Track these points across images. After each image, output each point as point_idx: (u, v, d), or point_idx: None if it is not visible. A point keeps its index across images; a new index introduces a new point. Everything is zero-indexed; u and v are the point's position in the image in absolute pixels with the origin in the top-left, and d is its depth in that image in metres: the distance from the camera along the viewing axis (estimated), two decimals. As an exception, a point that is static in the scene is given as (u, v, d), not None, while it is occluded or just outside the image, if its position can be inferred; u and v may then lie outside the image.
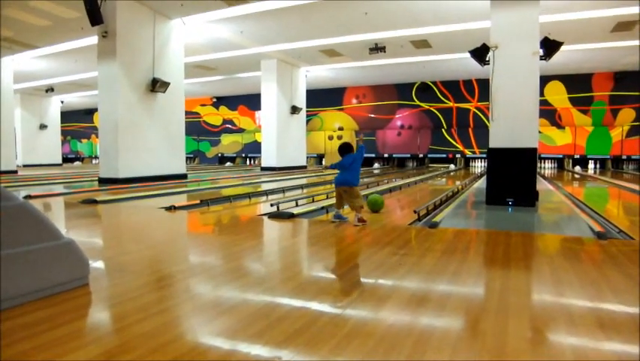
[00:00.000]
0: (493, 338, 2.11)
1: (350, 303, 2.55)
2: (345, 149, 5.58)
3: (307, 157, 20.66)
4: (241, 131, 26.12)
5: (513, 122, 7.19)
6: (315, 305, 2.56)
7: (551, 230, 5.31)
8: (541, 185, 10.29)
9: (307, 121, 20.61)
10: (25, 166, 22.69)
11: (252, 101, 24.42)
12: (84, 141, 31.38)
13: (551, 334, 2.22)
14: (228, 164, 25.96)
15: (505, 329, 2.21)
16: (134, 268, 3.42)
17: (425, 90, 21.66)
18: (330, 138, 23.62)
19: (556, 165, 19.77)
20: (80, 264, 2.83)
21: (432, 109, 21.66)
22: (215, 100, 26.55)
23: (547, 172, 17.39)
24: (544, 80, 17.88)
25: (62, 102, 25.96)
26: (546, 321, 2.35)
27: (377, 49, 14.52)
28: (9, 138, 16.89)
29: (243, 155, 26.09)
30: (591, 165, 19.36)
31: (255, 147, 24.80)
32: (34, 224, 2.61)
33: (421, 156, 22.06)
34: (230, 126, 26.52)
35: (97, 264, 3.50)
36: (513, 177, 7.05)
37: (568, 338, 2.16)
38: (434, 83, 21.45)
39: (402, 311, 2.44)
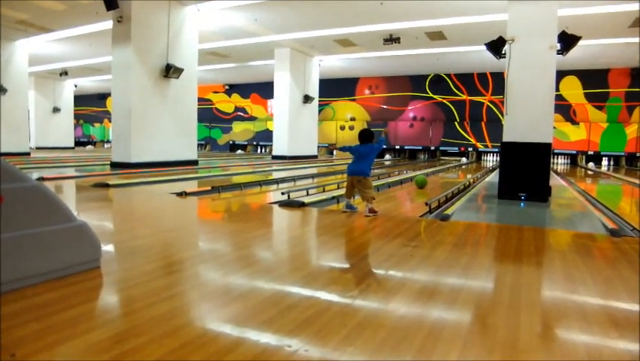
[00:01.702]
0: (504, 333, 2.09)
1: (360, 293, 2.54)
2: (366, 136, 5.42)
3: (318, 147, 20.60)
4: (253, 119, 26.10)
5: (528, 117, 7.10)
6: (325, 295, 2.56)
7: (564, 226, 5.26)
8: (554, 181, 10.19)
9: (319, 111, 20.53)
10: (37, 148, 22.87)
11: (264, 90, 24.36)
12: (97, 125, 31.55)
13: (564, 331, 2.20)
14: (239, 152, 25.98)
15: (517, 324, 2.19)
16: (144, 253, 3.43)
17: (439, 82, 21.48)
18: (342, 128, 23.53)
19: (569, 160, 19.53)
20: (91, 246, 2.85)
21: (445, 101, 21.47)
22: (227, 87, 26.53)
23: (560, 168, 17.22)
24: (560, 74, 17.62)
25: (76, 86, 26.09)
26: (558, 318, 2.33)
27: (391, 40, 14.38)
28: (22, 121, 17.03)
29: (254, 143, 26.08)
30: (605, 161, 19.09)
31: (266, 136, 24.76)
32: (48, 206, 2.63)
33: (432, 148, 21.93)
34: (242, 114, 26.51)
35: (108, 247, 3.51)
36: (526, 171, 6.98)
37: (581, 335, 2.13)
38: (448, 75, 21.24)
39: (413, 303, 2.43)
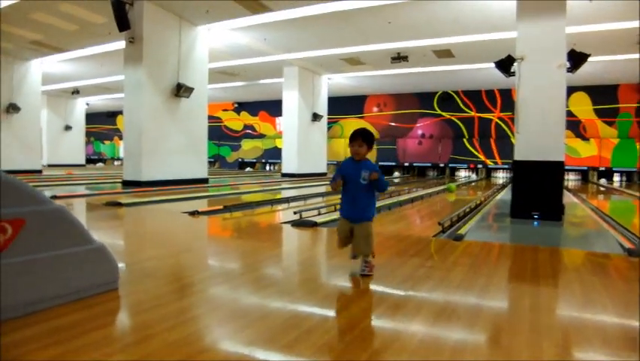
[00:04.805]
0: (527, 356, 2.07)
1: (379, 316, 2.53)
2: (366, 136, 3.43)
3: (327, 164, 20.63)
4: (261, 136, 26.25)
5: (539, 135, 7.09)
6: (344, 317, 2.55)
7: (579, 245, 5.22)
8: (566, 198, 10.12)
9: (328, 128, 20.60)
10: (49, 166, 23.09)
11: (272, 108, 24.54)
12: (107, 142, 31.84)
13: (585, 354, 2.18)
14: (248, 169, 26.09)
15: (539, 347, 2.17)
16: (160, 274, 3.44)
17: (447, 100, 21.54)
18: (351, 145, 23.57)
19: (580, 177, 19.43)
20: (110, 268, 2.87)
21: (453, 118, 21.52)
22: (236, 105, 26.74)
23: (572, 184, 17.13)
24: (569, 90, 17.44)
25: (88, 104, 26.40)
26: (579, 341, 2.31)
27: (399, 58, 14.48)
28: (35, 139, 17.23)
29: (263, 160, 26.19)
30: (617, 177, 18.96)
31: (274, 153, 24.88)
32: (68, 228, 2.65)
33: (442, 165, 21.91)
34: (250, 132, 26.67)
35: (124, 268, 3.52)
36: (539, 190, 6.96)
37: (603, 358, 2.11)
38: (456, 92, 21.31)
39: (432, 326, 2.41)
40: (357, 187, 3.37)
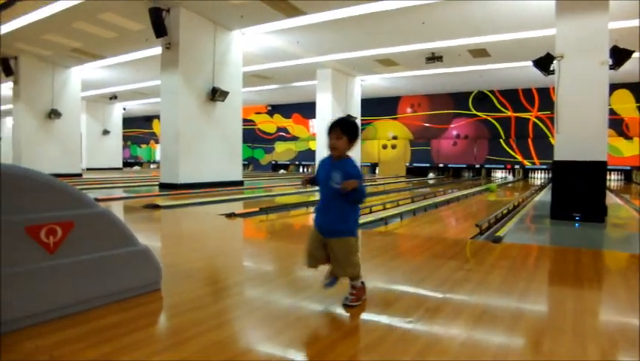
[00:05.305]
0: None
1: (419, 319, 2.51)
2: (345, 125, 2.74)
3: (361, 166, 20.59)
4: (295, 139, 26.37)
5: (580, 135, 6.90)
6: (384, 320, 2.54)
7: (623, 248, 5.06)
8: (608, 199, 9.83)
9: (361, 130, 20.55)
10: (88, 169, 23.75)
11: (305, 110, 24.62)
12: (143, 146, 32.55)
13: (631, 360, 2.11)
14: (282, 171, 26.25)
15: (583, 353, 2.12)
16: (198, 276, 3.50)
17: (482, 99, 21.19)
18: (384, 146, 23.49)
19: (623, 177, 18.80)
20: (153, 269, 2.94)
21: (489, 118, 21.16)
22: (269, 108, 26.95)
23: (614, 185, 16.59)
24: (611, 88, 16.94)
25: (125, 109, 27.07)
26: (625, 346, 2.24)
27: (434, 58, 14.34)
28: (75, 143, 17.80)
29: (297, 163, 26.31)
30: (662, 178, 18.30)
31: (308, 155, 24.96)
32: (114, 230, 2.73)
33: (477, 166, 21.56)
34: (284, 134, 26.83)
35: (163, 270, 3.59)
36: (580, 191, 6.76)
37: (654, 366, 2.05)
38: (492, 92, 20.95)
39: (473, 330, 2.38)
40: (328, 191, 2.70)
